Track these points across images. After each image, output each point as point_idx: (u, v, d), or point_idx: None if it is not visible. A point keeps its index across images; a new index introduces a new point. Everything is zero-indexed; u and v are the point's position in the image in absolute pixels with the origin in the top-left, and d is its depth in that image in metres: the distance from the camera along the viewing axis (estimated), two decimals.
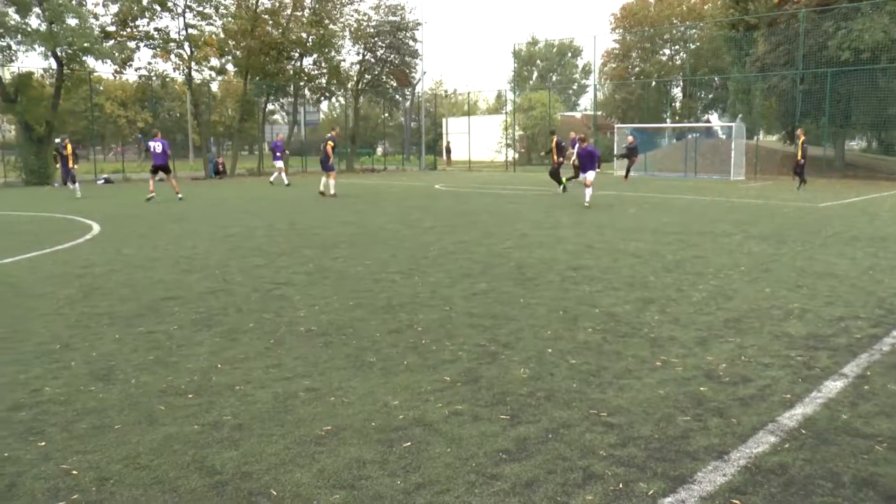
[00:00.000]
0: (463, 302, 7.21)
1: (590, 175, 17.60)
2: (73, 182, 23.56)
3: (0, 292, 8.08)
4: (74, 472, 3.59)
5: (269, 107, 45.58)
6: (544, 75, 79.63)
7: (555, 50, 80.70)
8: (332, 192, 21.57)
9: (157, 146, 21.04)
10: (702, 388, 4.68)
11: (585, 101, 74.61)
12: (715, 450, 3.77)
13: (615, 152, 35.04)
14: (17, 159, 34.31)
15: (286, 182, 28.79)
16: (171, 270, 9.29)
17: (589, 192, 17.37)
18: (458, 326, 6.25)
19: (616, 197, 20.95)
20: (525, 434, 3.97)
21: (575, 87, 78.75)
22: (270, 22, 39.64)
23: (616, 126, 39.57)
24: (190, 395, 4.62)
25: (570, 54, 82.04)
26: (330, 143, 22.05)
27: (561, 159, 23.58)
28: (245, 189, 26.97)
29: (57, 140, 30.84)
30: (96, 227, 14.17)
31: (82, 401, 4.57)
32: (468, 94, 55.48)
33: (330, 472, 3.55)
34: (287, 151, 31.64)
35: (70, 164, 23.92)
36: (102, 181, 33.02)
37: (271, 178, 30.31)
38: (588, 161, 17.82)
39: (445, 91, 73.38)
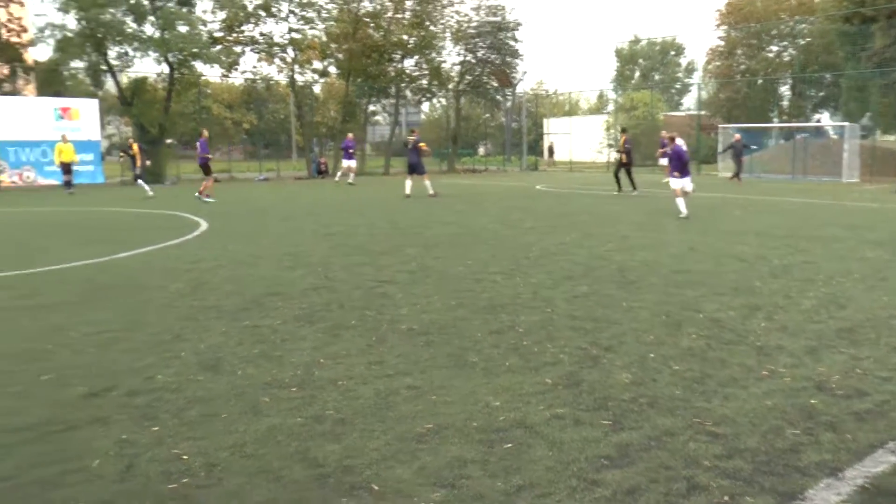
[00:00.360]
0: (564, 304, 7.13)
1: (687, 184, 15.69)
2: (141, 181, 24.16)
3: (117, 285, 8.49)
4: (185, 456, 3.73)
5: (371, 108, 46.26)
6: (647, 74, 78.08)
7: (657, 48, 79.02)
8: (431, 191, 21.68)
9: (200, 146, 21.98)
10: (812, 401, 4.47)
11: (689, 101, 72.69)
12: (827, 466, 3.59)
13: (718, 151, 34.03)
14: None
15: (350, 180, 29.36)
16: (276, 267, 9.54)
17: (682, 202, 15.31)
18: (560, 329, 6.19)
19: (720, 199, 20.36)
20: (627, 440, 3.89)
21: (678, 86, 76.96)
22: (372, 25, 40.27)
23: (720, 126, 38.43)
24: (293, 389, 4.73)
25: (672, 52, 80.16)
26: (423, 143, 22.32)
27: (627, 159, 22.73)
28: (346, 188, 27.47)
29: (170, 141, 32.09)
30: (204, 225, 14.70)
31: (192, 389, 4.75)
32: (569, 94, 55.02)
33: (431, 469, 3.56)
34: (354, 151, 32.05)
35: (138, 164, 24.43)
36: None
37: (337, 178, 30.75)
38: (678, 164, 15.94)
39: (546, 91, 72.90)
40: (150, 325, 6.47)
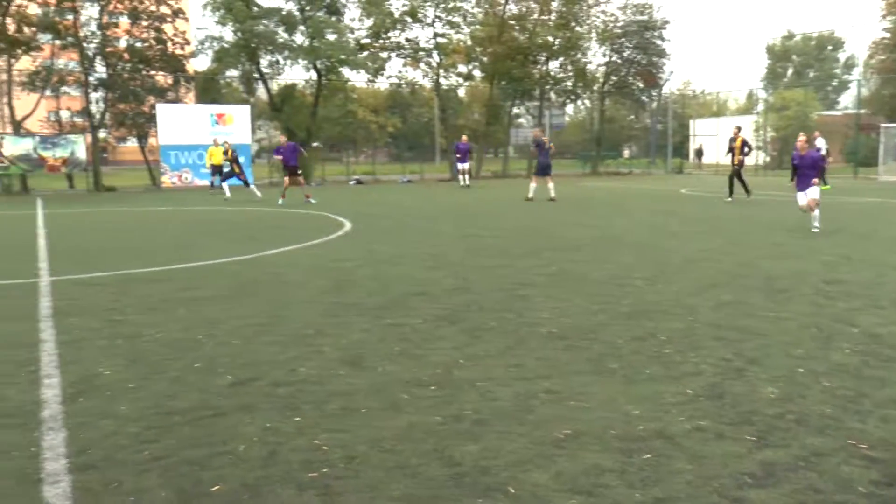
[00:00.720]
0: (708, 312, 6.85)
1: (801, 198, 13.18)
2: (220, 183, 24.91)
3: (264, 280, 8.86)
4: (325, 447, 3.82)
5: (515, 110, 46.30)
6: (800, 71, 74.26)
7: (813, 43, 75.02)
8: (552, 195, 21.35)
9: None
10: None
11: (846, 99, 68.54)
12: None
13: (882, 152, 31.82)
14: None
15: (465, 183, 29.50)
16: (417, 267, 9.68)
17: (816, 214, 12.89)
18: (703, 338, 5.93)
19: (880, 204, 19.06)
20: (773, 458, 3.66)
21: (834, 84, 72.75)
22: (517, 27, 40.30)
23: (882, 126, 35.97)
24: (433, 387, 4.76)
25: (830, 47, 75.89)
26: (552, 145, 22.12)
27: (741, 159, 20.66)
28: (489, 191, 27.60)
29: (316, 144, 33.25)
30: (348, 225, 15.13)
31: (333, 383, 4.87)
32: (717, 93, 53.06)
33: (568, 475, 3.48)
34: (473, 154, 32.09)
35: (236, 169, 25.04)
36: (354, 182, 35.29)
37: (463, 182, 30.88)
38: (810, 172, 13.08)
39: (693, 91, 70.68)
40: (294, 320, 6.70)
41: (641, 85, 47.12)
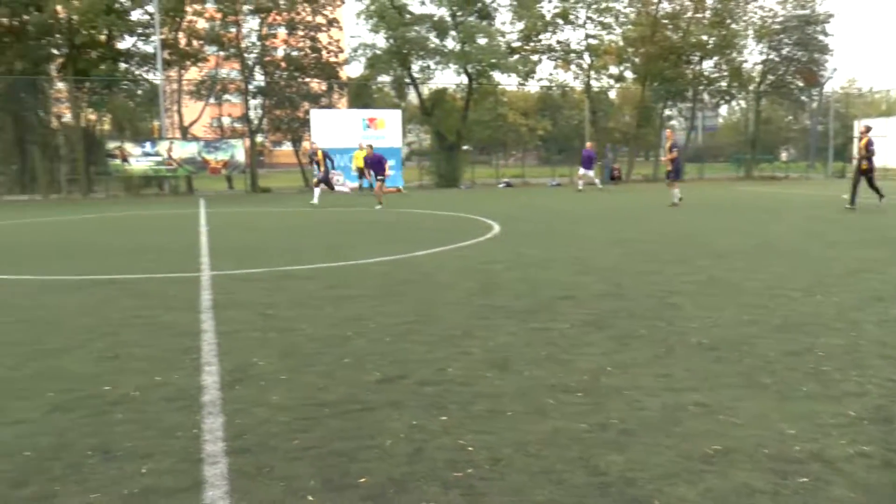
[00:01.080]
0: (873, 328, 6.34)
1: None
2: (317, 186, 24.41)
3: (414, 280, 9.00)
4: (470, 448, 3.81)
5: (667, 112, 45.01)
6: None
7: None
8: (675, 200, 20.54)
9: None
10: None
11: None
12: None
13: None
14: (430, 164, 38.19)
15: (580, 187, 28.93)
16: (565, 271, 9.55)
17: None
18: (867, 356, 5.49)
19: None
20: None
21: None
22: (670, 26, 39.20)
23: None
24: (579, 394, 4.66)
25: None
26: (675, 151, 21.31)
27: (868, 165, 18.34)
28: (639, 195, 27.00)
29: (466, 147, 33.60)
30: (496, 227, 15.16)
31: (479, 385, 4.85)
32: (887, 91, 49.42)
33: (717, 493, 3.30)
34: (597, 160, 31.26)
35: (321, 169, 24.78)
36: (503, 185, 35.40)
37: (595, 186, 30.17)
38: None
39: (859, 89, 66.31)
40: (441, 321, 6.75)
41: (801, 84, 44.48)
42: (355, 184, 29.29)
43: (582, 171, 30.11)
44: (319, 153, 24.56)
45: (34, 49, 32.13)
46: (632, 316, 6.84)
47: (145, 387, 4.92)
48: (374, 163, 22.86)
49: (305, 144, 27.96)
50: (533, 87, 43.73)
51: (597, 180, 30.07)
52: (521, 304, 7.43)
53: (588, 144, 31.39)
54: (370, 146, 25.03)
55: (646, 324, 6.51)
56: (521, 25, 37.29)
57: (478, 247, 12.26)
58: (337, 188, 24.96)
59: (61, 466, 3.69)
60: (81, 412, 4.48)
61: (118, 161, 30.87)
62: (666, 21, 39.04)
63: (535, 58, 38.25)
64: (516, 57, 37.27)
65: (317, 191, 23.85)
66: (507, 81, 39.31)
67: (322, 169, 24.33)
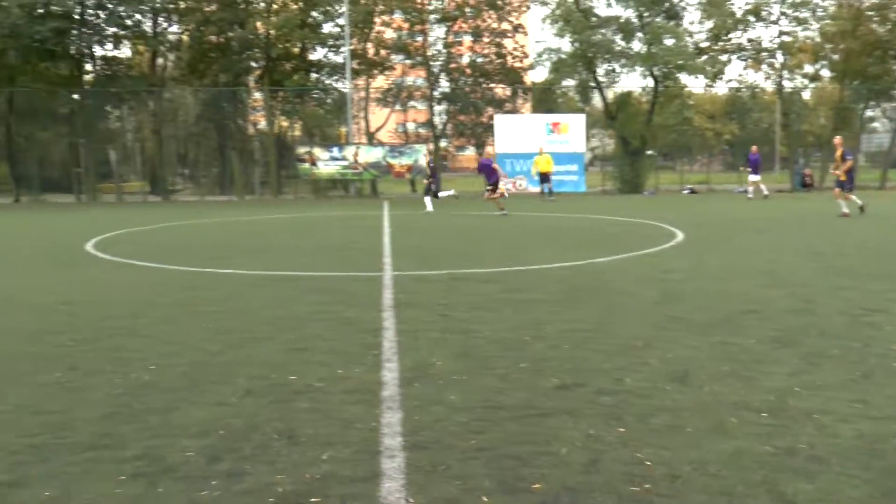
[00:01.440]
0: None
1: None
2: (428, 197, 24.09)
3: (593, 287, 8.92)
4: (648, 462, 3.73)
5: (869, 113, 41.79)
6: None
7: None
8: (844, 210, 18.86)
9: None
10: None
11: None
12: None
13: None
14: (614, 170, 37.64)
15: (750, 195, 27.39)
16: (750, 283, 9.12)
17: None
18: None
19: None
20: None
21: None
22: (876, 18, 36.32)
23: None
24: (764, 414, 4.44)
25: None
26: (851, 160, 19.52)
27: None
28: (833, 205, 25.25)
29: (650, 152, 32.83)
30: (680, 235, 14.70)
31: (658, 398, 4.74)
32: None
33: None
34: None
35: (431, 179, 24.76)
36: (687, 191, 34.31)
37: (748, 194, 28.22)
38: None
39: None
40: (620, 330, 6.65)
41: None
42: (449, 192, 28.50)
43: (752, 177, 28.61)
44: (427, 161, 25.36)
45: (235, 63, 34.97)
46: (823, 334, 6.43)
47: (328, 378, 5.20)
48: (484, 168, 22.26)
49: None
50: (721, 88, 42.05)
51: (762, 186, 28.41)
52: (703, 317, 7.17)
53: (753, 148, 29.75)
54: (486, 153, 25.08)
55: (839, 343, 6.10)
56: (709, 24, 35.94)
57: (659, 255, 11.95)
58: (441, 195, 24.79)
59: (251, 447, 3.99)
60: (270, 398, 4.81)
61: (307, 165, 32.75)
62: (871, 13, 36.20)
63: (723, 58, 36.76)
64: (704, 57, 35.98)
65: (427, 200, 24.21)
66: (693, 83, 38.02)
67: (430, 178, 24.78)
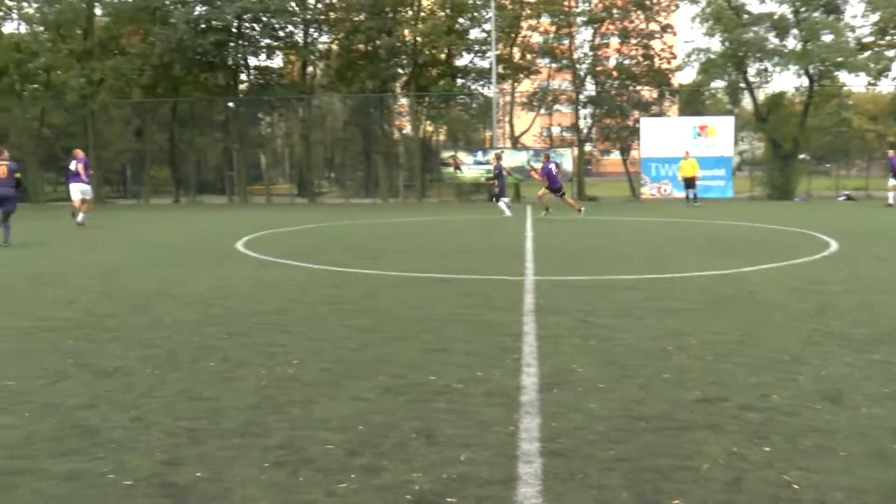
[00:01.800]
0: None
1: None
2: (498, 201, 23.76)
3: (740, 297, 8.58)
4: (795, 486, 3.55)
5: None
6: None
7: None
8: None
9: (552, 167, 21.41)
10: None
11: None
12: None
13: None
14: (763, 174, 36.10)
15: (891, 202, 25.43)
16: None
17: None
18: None
19: None
20: None
21: None
22: None
23: None
24: None
25: None
26: None
27: None
28: None
29: (802, 156, 31.29)
30: (834, 245, 13.92)
31: (808, 417, 4.51)
32: None
33: None
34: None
35: (495, 184, 24.48)
36: (843, 198, 32.45)
37: (889, 200, 26.16)
38: None
39: None
40: (767, 343, 6.37)
41: None
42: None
43: (893, 181, 26.52)
44: (495, 166, 24.95)
45: (383, 69, 36.11)
46: None
47: (467, 380, 5.26)
48: (548, 174, 22.37)
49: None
50: (885, 86, 39.41)
51: (890, 193, 26.32)
52: (860, 333, 6.76)
53: (889, 153, 27.49)
54: (544, 156, 24.56)
55: None
56: (875, 17, 33.78)
57: (811, 265, 11.36)
58: (500, 203, 24.45)
59: (389, 444, 4.09)
60: (408, 397, 4.91)
61: (451, 169, 33.27)
62: None
63: (890, 53, 34.45)
64: (867, 54, 33.85)
65: (501, 205, 24.10)
66: (853, 82, 35.90)
67: (496, 184, 24.73)
